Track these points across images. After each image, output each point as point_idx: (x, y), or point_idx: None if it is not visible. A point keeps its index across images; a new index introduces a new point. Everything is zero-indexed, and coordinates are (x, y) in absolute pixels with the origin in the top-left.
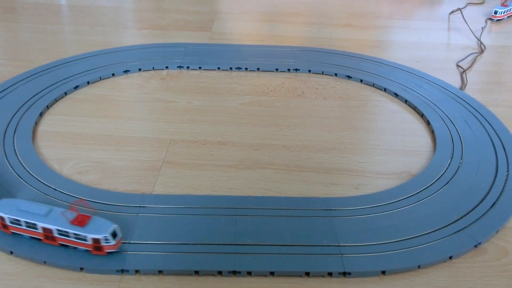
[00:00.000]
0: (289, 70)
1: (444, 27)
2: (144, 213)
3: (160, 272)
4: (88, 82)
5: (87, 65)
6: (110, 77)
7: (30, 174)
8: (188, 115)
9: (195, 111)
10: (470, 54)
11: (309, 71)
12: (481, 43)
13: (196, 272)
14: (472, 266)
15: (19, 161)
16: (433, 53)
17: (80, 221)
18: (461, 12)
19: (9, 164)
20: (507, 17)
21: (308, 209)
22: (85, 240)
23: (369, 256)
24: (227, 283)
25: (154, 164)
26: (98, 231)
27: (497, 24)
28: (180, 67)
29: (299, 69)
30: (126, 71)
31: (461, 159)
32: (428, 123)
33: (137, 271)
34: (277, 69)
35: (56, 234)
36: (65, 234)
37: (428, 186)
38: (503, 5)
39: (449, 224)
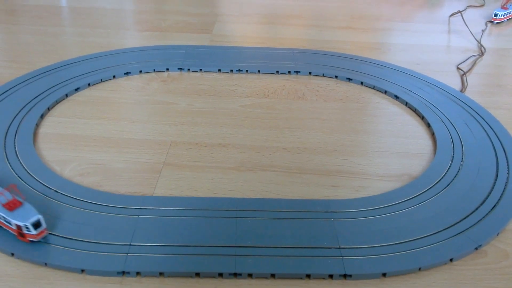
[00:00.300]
0: (289, 72)
1: (445, 30)
2: (145, 215)
3: (161, 274)
4: (89, 84)
5: (88, 67)
6: (111, 79)
7: (31, 176)
8: (189, 117)
9: (196, 113)
10: (470, 57)
11: (310, 73)
12: (481, 45)
13: (197, 274)
14: (473, 268)
15: (20, 163)
16: (434, 56)
17: (11, 206)
18: (461, 14)
19: (10, 166)
20: (507, 19)
21: (309, 211)
22: (10, 224)
23: (370, 258)
24: (228, 285)
25: (155, 166)
26: (22, 218)
27: (497, 26)
28: (181, 69)
29: (299, 71)
30: (127, 73)
31: (462, 161)
32: (428, 125)
33: (138, 273)
34: (277, 71)
35: None
36: None
37: (429, 189)
38: (503, 7)
39: (449, 227)
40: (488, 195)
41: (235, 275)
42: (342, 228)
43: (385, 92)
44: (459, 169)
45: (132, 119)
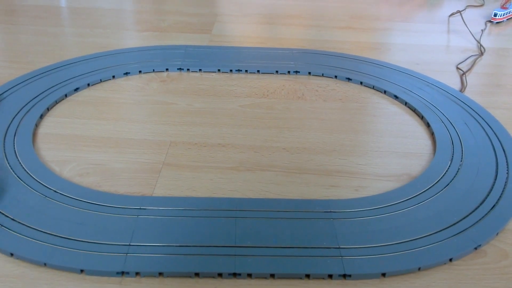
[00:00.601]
0: (289, 72)
1: (444, 30)
2: (144, 215)
3: (160, 274)
4: (88, 84)
5: (88, 67)
6: (110, 79)
7: (31, 176)
8: (188, 117)
9: (195, 113)
10: (470, 57)
11: (309, 73)
12: (480, 45)
13: (196, 274)
14: (472, 268)
15: (20, 163)
16: (433, 56)
17: None
18: (461, 14)
19: (10, 165)
20: (507, 19)
21: (308, 211)
22: None
23: (369, 258)
24: (227, 285)
25: (154, 166)
26: None
27: (496, 26)
28: (180, 69)
29: (299, 71)
30: (126, 73)
31: (461, 161)
32: (428, 125)
33: (137, 273)
34: (277, 71)
35: None
36: None
37: (428, 188)
38: (503, 7)
39: (449, 226)
40: (488, 195)
41: (235, 275)
42: (342, 228)
43: (385, 92)
44: (459, 169)
45: (131, 119)
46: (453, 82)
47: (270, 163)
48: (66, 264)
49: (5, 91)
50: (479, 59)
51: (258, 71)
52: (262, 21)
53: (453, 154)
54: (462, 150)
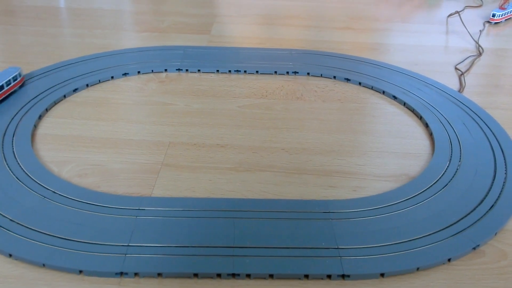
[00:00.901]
0: (288, 73)
1: (443, 30)
2: (143, 216)
3: (159, 274)
4: (87, 85)
5: (86, 68)
6: (109, 80)
7: (29, 176)
8: (187, 117)
9: (194, 113)
10: (468, 57)
11: (308, 74)
12: (479, 46)
13: (195, 275)
14: (471, 268)
15: (18, 163)
16: (432, 56)
17: None
18: (459, 15)
19: (8, 166)
20: (505, 20)
21: (307, 211)
22: None
23: (368, 259)
24: (226, 285)
25: (153, 167)
26: None
27: (495, 27)
28: (179, 70)
29: (298, 72)
30: (125, 74)
31: (460, 161)
32: (426, 125)
33: (136, 274)
34: (276, 72)
35: None
36: None
37: (427, 189)
38: (501, 8)
39: (447, 227)
40: (486, 195)
41: (233, 275)
42: (340, 228)
43: (383, 92)
44: (457, 169)
45: (130, 120)
46: (452, 83)
47: (269, 163)
48: (65, 265)
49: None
50: (477, 59)
51: (257, 71)
52: (261, 22)
53: (451, 154)
54: (460, 151)
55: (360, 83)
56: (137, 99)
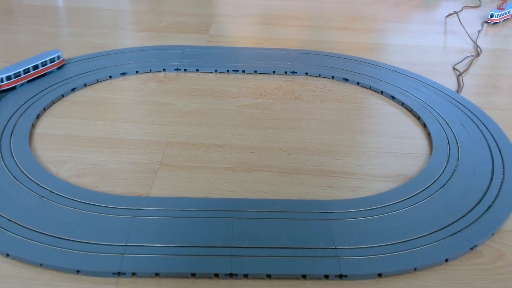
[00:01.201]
0: (286, 72)
1: (441, 30)
2: (141, 216)
3: (156, 274)
4: (85, 84)
5: (85, 67)
6: (107, 79)
7: (27, 176)
8: (185, 117)
9: (192, 113)
10: (466, 57)
11: (306, 73)
12: (477, 46)
13: (193, 275)
14: (468, 269)
15: (16, 163)
16: (430, 56)
17: None
18: (458, 15)
19: (6, 166)
20: (503, 20)
21: (305, 211)
22: None
23: (365, 259)
24: (224, 285)
25: (151, 167)
26: None
27: (493, 27)
28: (177, 69)
29: (296, 72)
30: (123, 73)
31: (457, 162)
32: (424, 126)
33: (133, 274)
34: (274, 72)
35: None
36: None
37: (425, 189)
38: (499, 8)
39: (445, 227)
40: (484, 195)
41: (231, 275)
42: (338, 228)
43: (382, 92)
44: (455, 169)
45: (128, 120)
46: (450, 83)
47: (267, 163)
48: (63, 265)
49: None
50: (475, 60)
51: (255, 71)
52: (259, 22)
53: (449, 154)
54: (458, 151)
55: (358, 83)
56: (135, 99)
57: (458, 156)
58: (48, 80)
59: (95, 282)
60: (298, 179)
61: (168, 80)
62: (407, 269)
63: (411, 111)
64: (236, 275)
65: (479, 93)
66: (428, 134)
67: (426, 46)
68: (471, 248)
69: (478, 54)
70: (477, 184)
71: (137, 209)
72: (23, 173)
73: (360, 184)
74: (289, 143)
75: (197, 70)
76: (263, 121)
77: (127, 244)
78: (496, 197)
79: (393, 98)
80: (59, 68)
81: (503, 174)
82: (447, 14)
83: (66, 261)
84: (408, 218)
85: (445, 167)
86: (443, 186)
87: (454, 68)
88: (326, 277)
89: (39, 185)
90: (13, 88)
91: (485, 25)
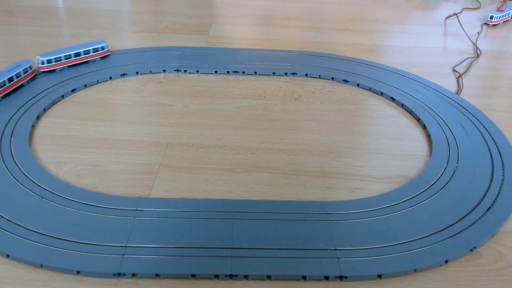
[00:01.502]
0: (286, 74)
1: (440, 32)
2: (141, 217)
3: (157, 275)
4: (85, 85)
5: (84, 68)
6: (107, 80)
7: (27, 177)
8: (185, 118)
9: (192, 114)
10: (466, 59)
11: (306, 75)
12: (477, 48)
13: (193, 276)
14: (468, 270)
15: (16, 164)
16: (430, 58)
17: None
18: (457, 17)
19: (6, 167)
20: (503, 22)
21: (305, 213)
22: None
23: (365, 260)
24: (224, 286)
25: (151, 168)
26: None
27: (492, 29)
28: (177, 70)
29: (296, 73)
30: (123, 75)
31: (457, 163)
32: (424, 127)
33: (133, 275)
34: (274, 73)
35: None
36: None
37: (424, 190)
38: (499, 10)
39: (445, 228)
40: (483, 197)
41: (231, 276)
42: (338, 229)
43: (381, 94)
44: (455, 170)
45: (128, 121)
46: (450, 84)
47: (266, 164)
48: (63, 266)
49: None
50: (475, 61)
51: (255, 72)
52: (259, 23)
53: (449, 156)
54: (458, 152)
55: (358, 85)
56: (135, 100)
57: (458, 157)
58: (49, 80)
59: (95, 283)
60: (298, 180)
61: (168, 81)
62: (407, 270)
63: (411, 112)
64: (236, 276)
65: (479, 95)
66: (428, 136)
67: (426, 48)
68: (471, 250)
69: (477, 56)
70: (477, 185)
71: (137, 210)
72: (23, 173)
73: (360, 185)
74: (289, 144)
75: (197, 71)
76: (263, 122)
77: (127, 245)
78: (495, 198)
79: (393, 99)
80: (102, 57)
81: (502, 175)
82: (446, 15)
83: (66, 262)
84: (408, 219)
85: (445, 168)
86: (443, 187)
87: (454, 70)
88: (326, 278)
89: (39, 185)
90: (53, 71)
91: (484, 26)
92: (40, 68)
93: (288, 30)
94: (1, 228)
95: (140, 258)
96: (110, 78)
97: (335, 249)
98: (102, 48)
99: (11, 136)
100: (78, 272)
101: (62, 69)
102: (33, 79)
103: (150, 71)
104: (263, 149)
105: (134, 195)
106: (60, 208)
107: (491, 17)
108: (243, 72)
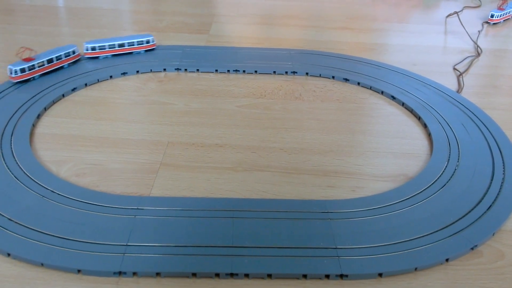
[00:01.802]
0: (286, 72)
1: (441, 31)
2: (141, 215)
3: (157, 274)
4: (86, 84)
5: (85, 67)
6: (108, 79)
7: (28, 176)
8: (186, 117)
9: (193, 113)
10: (466, 57)
11: (307, 73)
12: (477, 46)
13: (194, 274)
14: (468, 268)
15: (17, 163)
16: (430, 56)
17: None
18: (458, 15)
19: (7, 166)
20: (504, 20)
21: (306, 211)
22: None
23: (366, 259)
24: (225, 285)
25: (152, 166)
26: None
27: (493, 27)
28: (178, 69)
29: (296, 72)
30: (124, 73)
31: (458, 162)
32: (425, 126)
33: (134, 273)
34: (274, 72)
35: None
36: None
37: (425, 189)
38: (500, 8)
39: (445, 227)
40: (484, 195)
41: (232, 275)
42: (339, 228)
43: (382, 92)
44: (455, 169)
45: (129, 119)
46: (450, 83)
47: (267, 163)
48: (63, 264)
49: (3, 91)
50: (476, 60)
51: (256, 71)
52: (260, 22)
53: (450, 154)
54: (458, 151)
55: (358, 83)
56: (135, 99)
57: (459, 156)
58: (49, 80)
59: (96, 282)
60: (298, 179)
61: (169, 80)
62: (407, 269)
63: (411, 111)
64: (237, 274)
65: (480, 93)
66: (429, 134)
67: (427, 46)
68: (472, 248)
69: (478, 54)
70: (478, 184)
71: (138, 208)
72: (24, 172)
73: (360, 184)
74: (290, 143)
75: (197, 70)
76: (264, 121)
77: (128, 244)
78: (496, 197)
79: (393, 98)
80: (147, 50)
81: (503, 174)
82: (447, 14)
83: (67, 261)
84: (409, 218)
85: (446, 167)
86: (444, 186)
87: (454, 68)
88: (327, 276)
89: (39, 184)
90: (97, 57)
91: (485, 25)
92: (85, 54)
93: (289, 29)
94: (2, 227)
95: (141, 256)
96: (111, 77)
97: (336, 248)
98: (147, 42)
99: (11, 135)
100: (78, 271)
101: (106, 57)
102: (75, 63)
103: (151, 70)
104: (263, 148)
105: (134, 194)
106: (61, 207)
107: (492, 16)
108: (244, 71)
